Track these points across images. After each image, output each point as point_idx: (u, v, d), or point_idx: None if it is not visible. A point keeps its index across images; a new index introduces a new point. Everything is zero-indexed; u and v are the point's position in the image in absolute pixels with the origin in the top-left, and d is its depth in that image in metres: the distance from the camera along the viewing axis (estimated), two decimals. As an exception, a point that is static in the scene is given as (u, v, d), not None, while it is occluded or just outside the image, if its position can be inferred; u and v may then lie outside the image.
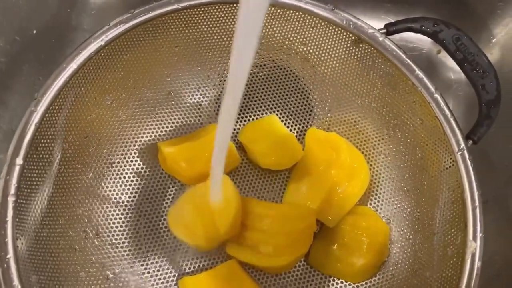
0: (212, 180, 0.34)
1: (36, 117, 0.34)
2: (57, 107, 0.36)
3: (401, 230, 0.42)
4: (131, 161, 0.44)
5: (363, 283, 0.42)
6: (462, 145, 0.36)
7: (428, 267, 0.38)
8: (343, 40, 0.41)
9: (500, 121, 0.39)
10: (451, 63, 0.51)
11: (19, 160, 0.33)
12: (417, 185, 0.41)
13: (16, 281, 0.31)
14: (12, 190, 0.32)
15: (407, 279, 0.39)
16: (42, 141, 0.35)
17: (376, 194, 0.44)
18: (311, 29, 0.42)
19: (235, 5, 0.39)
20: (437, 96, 0.37)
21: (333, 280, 0.42)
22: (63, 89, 0.35)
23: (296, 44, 0.43)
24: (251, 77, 0.46)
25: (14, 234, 0.32)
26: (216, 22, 0.41)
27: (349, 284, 0.42)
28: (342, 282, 0.42)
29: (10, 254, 0.31)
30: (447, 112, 0.37)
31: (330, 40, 0.41)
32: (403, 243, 0.41)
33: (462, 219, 0.35)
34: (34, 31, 0.42)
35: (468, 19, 0.50)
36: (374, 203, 0.44)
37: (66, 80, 0.35)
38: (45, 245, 0.36)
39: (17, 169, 0.33)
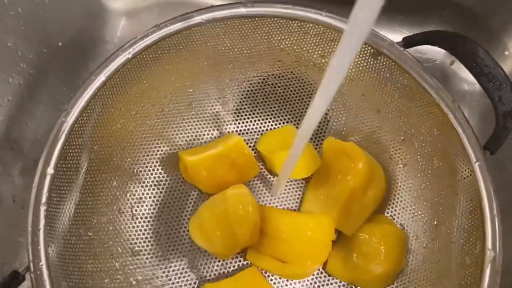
0: (279, 178, 0.38)
1: (66, 128, 0.35)
2: (85, 118, 0.37)
3: (418, 239, 0.42)
4: (153, 169, 0.45)
5: (382, 291, 0.42)
6: (480, 155, 0.37)
7: (446, 275, 0.39)
8: (362, 52, 0.42)
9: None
10: (464, 74, 0.52)
11: (50, 170, 0.34)
12: (434, 195, 0.41)
13: (48, 287, 0.32)
14: (44, 199, 0.34)
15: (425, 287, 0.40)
16: (71, 151, 0.37)
17: (393, 203, 0.45)
18: (329, 42, 0.43)
19: (256, 19, 0.40)
20: (454, 107, 0.38)
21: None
22: (92, 101, 0.37)
23: (314, 56, 0.44)
24: (270, 88, 0.47)
25: (46, 242, 0.33)
26: (237, 35, 0.42)
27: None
28: (360, 290, 0.43)
29: (43, 261, 0.32)
30: (465, 123, 0.37)
31: (349, 52, 0.42)
32: (420, 252, 0.42)
33: (481, 228, 0.36)
34: (60, 43, 0.43)
35: (482, 31, 0.51)
36: (392, 212, 0.45)
37: (95, 91, 0.37)
38: (73, 252, 0.37)
39: (48, 178, 0.34)
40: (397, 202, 0.44)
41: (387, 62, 0.41)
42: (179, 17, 0.39)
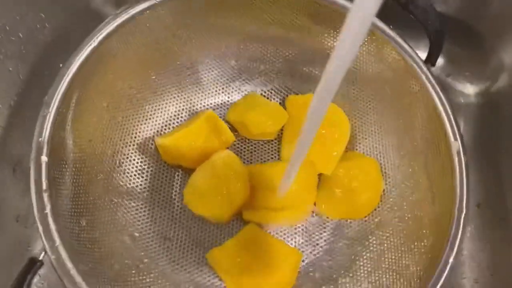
0: (285, 175, 0.38)
1: (49, 121, 0.36)
2: (64, 111, 0.38)
3: (389, 162, 0.47)
4: (134, 159, 0.46)
5: (371, 216, 0.46)
6: (425, 69, 0.42)
7: (423, 184, 0.43)
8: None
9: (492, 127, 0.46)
10: (460, 86, 0.57)
11: (44, 158, 0.35)
12: (396, 119, 0.46)
13: (69, 265, 0.32)
14: (44, 186, 0.34)
15: (406, 199, 0.44)
16: (57, 143, 0.37)
17: (360, 138, 0.49)
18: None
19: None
20: (393, 34, 0.43)
21: (344, 221, 0.46)
22: (68, 92, 0.37)
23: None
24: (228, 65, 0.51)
25: (56, 225, 0.33)
26: (191, 14, 0.45)
27: (358, 221, 0.46)
28: (350, 222, 0.46)
29: (58, 242, 0.33)
30: (406, 45, 0.43)
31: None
32: (394, 172, 0.46)
33: (441, 128, 0.41)
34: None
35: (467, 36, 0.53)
36: (360, 147, 0.49)
37: (69, 82, 0.38)
38: (78, 241, 0.37)
39: (43, 166, 0.34)
40: (364, 137, 0.49)
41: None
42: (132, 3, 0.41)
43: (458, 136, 0.40)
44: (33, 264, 0.32)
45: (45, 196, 0.34)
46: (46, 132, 0.36)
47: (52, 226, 0.33)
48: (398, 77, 0.44)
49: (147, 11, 0.42)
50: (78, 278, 0.32)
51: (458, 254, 0.36)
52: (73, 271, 0.32)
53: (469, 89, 0.55)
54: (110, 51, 0.42)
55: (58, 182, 0.37)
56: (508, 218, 0.47)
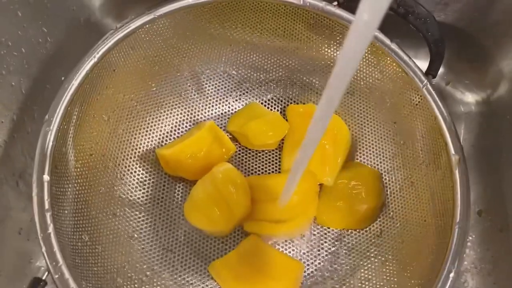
0: (286, 186, 0.38)
1: (51, 136, 0.36)
2: (65, 127, 0.38)
3: (390, 172, 0.47)
4: (135, 171, 0.46)
5: (372, 226, 0.46)
6: (425, 81, 0.42)
7: (423, 195, 0.43)
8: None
9: (492, 134, 0.46)
10: (460, 95, 0.56)
11: (46, 177, 0.35)
12: (396, 129, 0.46)
13: (73, 285, 0.32)
14: (47, 206, 0.34)
15: (407, 210, 0.44)
16: (59, 159, 0.37)
17: (361, 148, 0.49)
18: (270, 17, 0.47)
19: (203, 6, 0.44)
20: (394, 47, 0.43)
21: (345, 232, 0.46)
22: (68, 108, 0.38)
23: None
24: (226, 75, 0.51)
25: (58, 245, 0.33)
26: (190, 26, 0.45)
27: (359, 231, 0.46)
28: (351, 232, 0.46)
29: (61, 262, 0.33)
30: (406, 57, 0.43)
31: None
32: (395, 182, 0.46)
33: (441, 140, 0.41)
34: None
35: (475, 51, 0.53)
36: (361, 157, 0.49)
37: (69, 99, 0.38)
38: (82, 257, 0.37)
39: (46, 185, 0.35)
40: (365, 147, 0.49)
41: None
42: (132, 17, 0.41)
43: (459, 149, 0.40)
44: (37, 284, 0.32)
45: (48, 215, 0.34)
46: (48, 150, 0.36)
47: (55, 246, 0.33)
48: (398, 88, 0.45)
49: (147, 25, 0.42)
50: (82, 296, 0.33)
51: (459, 269, 0.36)
52: (77, 291, 0.33)
53: (469, 98, 0.55)
54: (111, 65, 0.42)
55: (61, 199, 0.37)
56: (510, 225, 0.47)
